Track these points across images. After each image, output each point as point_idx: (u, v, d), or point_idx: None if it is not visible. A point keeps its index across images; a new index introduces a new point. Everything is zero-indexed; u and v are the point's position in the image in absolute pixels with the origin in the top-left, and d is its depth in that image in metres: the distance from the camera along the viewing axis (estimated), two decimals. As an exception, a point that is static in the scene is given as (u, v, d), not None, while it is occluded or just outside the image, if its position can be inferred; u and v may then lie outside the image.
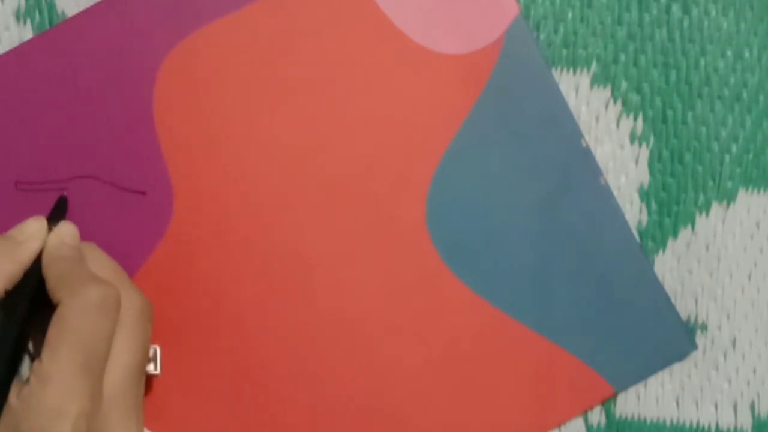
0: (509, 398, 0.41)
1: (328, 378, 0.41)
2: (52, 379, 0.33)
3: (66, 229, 0.38)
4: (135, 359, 0.35)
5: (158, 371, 0.38)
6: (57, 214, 0.39)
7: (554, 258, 0.41)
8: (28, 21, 0.41)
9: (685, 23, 0.42)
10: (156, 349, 0.38)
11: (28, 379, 0.33)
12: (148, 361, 0.38)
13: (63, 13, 0.41)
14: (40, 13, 0.41)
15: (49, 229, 0.38)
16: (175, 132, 0.40)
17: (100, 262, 0.38)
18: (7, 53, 0.40)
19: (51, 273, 0.36)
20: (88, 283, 0.34)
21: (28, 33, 0.41)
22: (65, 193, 0.40)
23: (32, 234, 0.37)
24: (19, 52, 0.40)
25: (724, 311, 0.42)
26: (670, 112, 0.42)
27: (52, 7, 0.41)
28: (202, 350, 0.41)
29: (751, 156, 0.42)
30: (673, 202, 0.42)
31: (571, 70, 0.42)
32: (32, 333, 0.37)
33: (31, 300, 0.36)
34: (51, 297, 0.35)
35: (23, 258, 0.36)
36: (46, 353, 0.33)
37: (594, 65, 0.42)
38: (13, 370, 0.34)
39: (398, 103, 0.41)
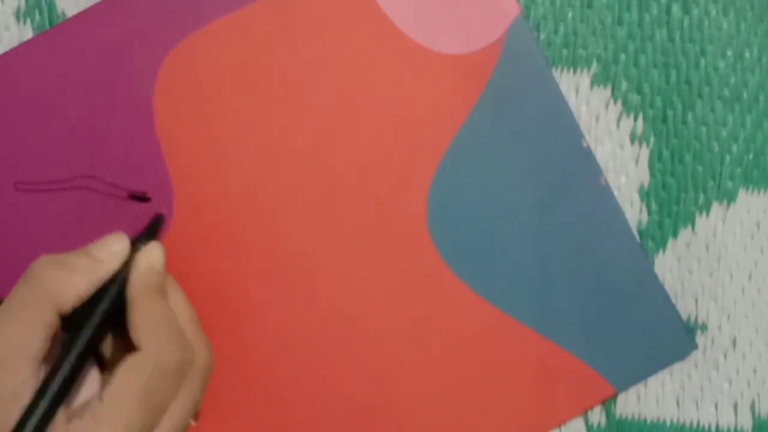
0: (509, 398, 0.41)
1: (329, 377, 0.41)
2: (106, 426, 0.32)
3: (156, 254, 0.36)
4: (185, 418, 0.35)
5: (195, 423, 0.38)
6: (150, 232, 0.38)
7: (554, 258, 0.41)
8: (28, 21, 0.41)
9: (686, 23, 0.42)
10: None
11: (80, 411, 0.32)
12: None
13: (63, 13, 0.41)
14: (40, 13, 0.41)
15: (134, 246, 0.36)
16: (175, 132, 0.40)
17: (178, 303, 0.37)
18: (7, 53, 0.40)
19: (138, 309, 0.34)
20: (174, 343, 0.34)
21: (28, 33, 0.41)
22: (164, 212, 0.39)
23: (113, 254, 0.36)
24: (19, 52, 0.40)
25: (724, 311, 0.42)
26: (670, 112, 0.42)
27: (52, 7, 0.41)
28: (202, 350, 0.41)
29: (751, 156, 0.42)
30: (674, 202, 0.42)
31: (572, 70, 0.42)
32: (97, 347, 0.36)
33: (101, 321, 0.34)
34: (131, 332, 0.34)
35: (96, 279, 0.35)
36: (108, 395, 0.32)
37: (594, 65, 0.42)
38: (65, 391, 0.33)
39: (398, 103, 0.41)
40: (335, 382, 0.41)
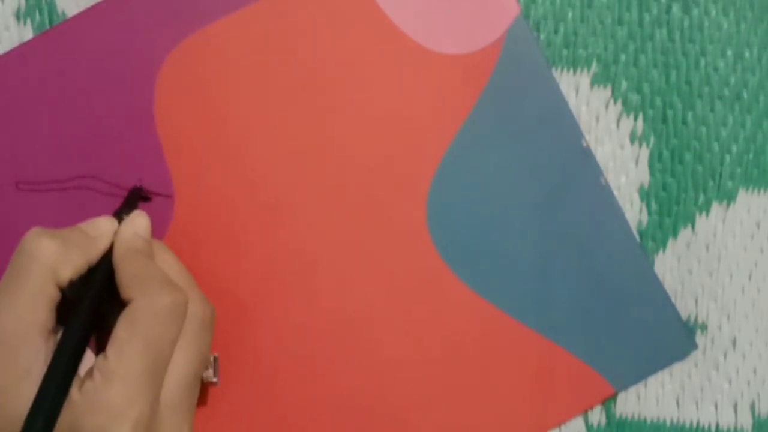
0: (509, 398, 0.41)
1: (329, 377, 0.41)
2: (117, 378, 0.32)
3: (140, 221, 0.37)
4: (192, 369, 0.35)
5: (216, 379, 0.38)
6: (129, 204, 0.39)
7: (554, 258, 0.41)
8: (28, 21, 0.41)
9: (686, 23, 0.42)
10: (215, 357, 0.38)
11: (89, 373, 0.33)
12: (206, 368, 0.37)
13: (63, 13, 0.41)
14: (40, 13, 0.41)
15: (120, 220, 0.37)
16: (176, 132, 0.40)
17: (168, 263, 0.37)
18: (7, 53, 0.40)
19: (124, 268, 0.35)
20: (163, 287, 0.34)
21: (28, 33, 0.41)
22: (140, 184, 0.40)
23: (104, 232, 0.36)
24: (19, 52, 0.40)
25: (724, 311, 0.42)
26: (670, 112, 0.42)
27: (52, 7, 0.41)
28: (202, 350, 0.41)
29: (751, 156, 0.42)
30: (673, 202, 0.42)
31: (572, 70, 0.42)
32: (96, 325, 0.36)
33: (98, 295, 0.35)
34: (121, 292, 0.34)
35: (92, 254, 0.36)
36: (112, 351, 0.33)
37: (594, 65, 0.42)
38: (76, 364, 0.33)
39: (399, 104, 0.41)
40: (335, 382, 0.41)
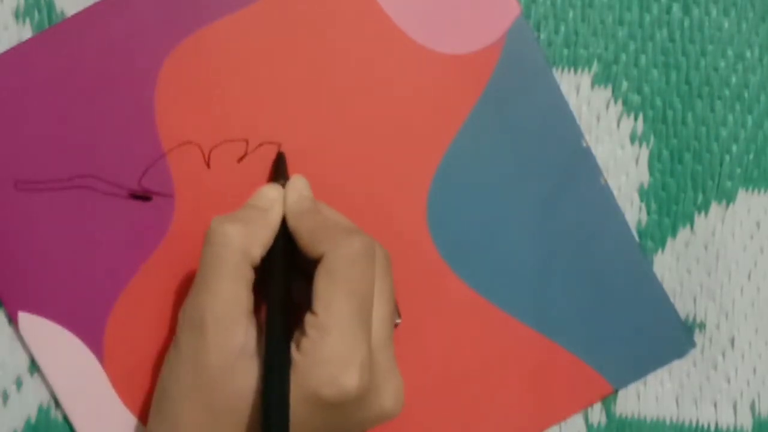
0: (508, 396, 0.41)
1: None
2: (332, 330, 0.33)
3: (300, 183, 0.39)
4: (389, 308, 0.36)
5: (399, 320, 0.39)
6: (280, 171, 0.40)
7: (554, 257, 0.41)
8: (28, 20, 0.40)
9: (686, 23, 0.42)
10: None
11: (301, 333, 0.33)
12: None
13: (62, 12, 0.40)
14: (39, 12, 0.40)
15: (280, 184, 0.39)
16: (177, 131, 0.40)
17: (336, 216, 0.38)
18: (7, 53, 0.40)
19: (302, 228, 0.36)
20: (351, 234, 0.34)
21: (27, 32, 0.40)
22: (282, 149, 0.40)
23: (275, 199, 0.37)
24: (19, 51, 0.40)
25: (722, 311, 0.43)
26: (670, 113, 0.42)
27: (51, 6, 0.40)
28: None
29: (751, 156, 0.42)
30: (673, 202, 0.42)
31: (572, 70, 0.42)
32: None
33: (285, 260, 0.36)
34: (307, 251, 0.35)
35: (273, 223, 0.36)
36: (319, 306, 0.33)
37: (595, 65, 0.42)
38: (287, 330, 0.34)
39: (399, 103, 0.41)
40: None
